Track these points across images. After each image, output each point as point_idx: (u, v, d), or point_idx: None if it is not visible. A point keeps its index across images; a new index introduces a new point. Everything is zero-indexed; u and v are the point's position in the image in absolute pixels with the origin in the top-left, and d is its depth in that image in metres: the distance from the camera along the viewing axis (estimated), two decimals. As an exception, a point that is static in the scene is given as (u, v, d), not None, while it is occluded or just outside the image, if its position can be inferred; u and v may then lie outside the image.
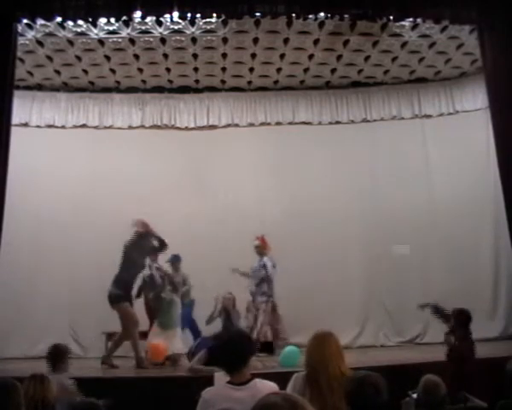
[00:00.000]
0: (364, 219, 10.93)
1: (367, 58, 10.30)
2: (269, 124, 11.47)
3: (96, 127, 11.19)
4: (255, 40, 9.49)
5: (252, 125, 11.45)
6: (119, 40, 9.37)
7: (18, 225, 9.43)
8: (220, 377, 4.18)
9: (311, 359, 3.51)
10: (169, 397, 5.94)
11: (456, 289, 10.03)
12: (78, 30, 9.00)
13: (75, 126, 11.12)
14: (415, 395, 3.90)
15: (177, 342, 8.39)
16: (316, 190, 10.94)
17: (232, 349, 3.44)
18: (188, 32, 9.17)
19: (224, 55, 10.02)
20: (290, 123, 11.48)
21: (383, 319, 10.59)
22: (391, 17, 8.51)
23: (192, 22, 8.88)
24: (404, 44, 9.83)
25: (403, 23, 9.02)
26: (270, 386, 3.29)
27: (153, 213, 10.45)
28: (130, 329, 8.00)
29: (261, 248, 9.13)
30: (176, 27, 9.06)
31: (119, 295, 8.04)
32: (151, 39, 9.38)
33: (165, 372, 7.53)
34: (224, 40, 9.47)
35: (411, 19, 8.74)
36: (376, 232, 10.81)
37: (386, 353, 9.28)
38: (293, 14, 8.34)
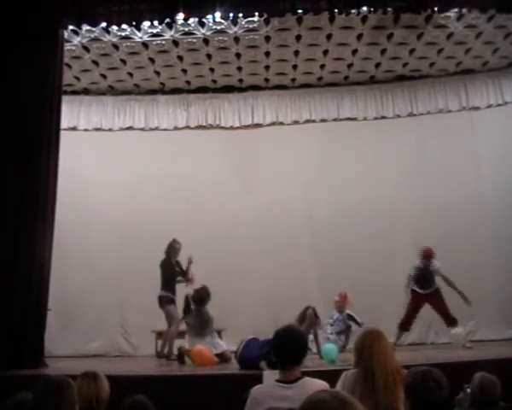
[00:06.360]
0: (412, 215, 10.75)
1: (412, 51, 10.14)
2: (313, 121, 11.39)
3: (142, 129, 11.32)
4: (298, 37, 9.45)
5: (296, 122, 11.39)
6: (163, 42, 9.46)
7: (67, 227, 9.63)
8: (269, 375, 4.18)
9: (364, 356, 3.44)
10: (218, 395, 5.96)
11: (508, 287, 9.82)
12: (123, 34, 9.13)
13: (122, 129, 11.28)
14: (469, 390, 3.81)
15: (220, 342, 8.56)
16: (362, 187, 10.82)
17: (289, 346, 3.43)
18: (230, 31, 9.20)
19: (267, 54, 10.00)
20: (335, 119, 11.38)
21: (433, 316, 10.40)
22: (435, 8, 8.40)
23: (234, 22, 8.92)
24: (449, 36, 9.62)
25: (448, 14, 8.82)
26: (319, 384, 3.26)
27: (199, 213, 10.61)
28: (172, 326, 8.91)
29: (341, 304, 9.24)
30: (218, 28, 9.09)
31: (168, 298, 8.88)
32: (194, 40, 9.44)
33: (214, 370, 7.57)
34: (267, 38, 9.46)
35: (456, 9, 8.59)
36: (424, 228, 10.59)
37: (436, 350, 9.12)
38: (336, 10, 8.28)
